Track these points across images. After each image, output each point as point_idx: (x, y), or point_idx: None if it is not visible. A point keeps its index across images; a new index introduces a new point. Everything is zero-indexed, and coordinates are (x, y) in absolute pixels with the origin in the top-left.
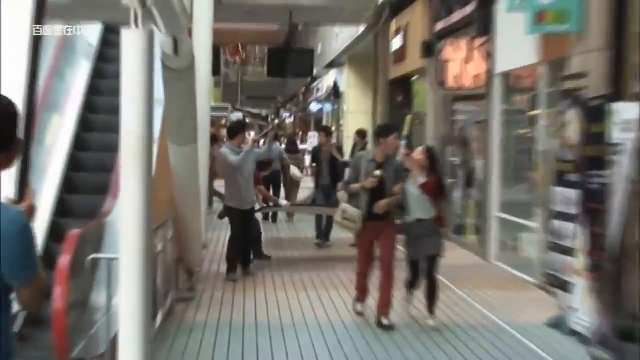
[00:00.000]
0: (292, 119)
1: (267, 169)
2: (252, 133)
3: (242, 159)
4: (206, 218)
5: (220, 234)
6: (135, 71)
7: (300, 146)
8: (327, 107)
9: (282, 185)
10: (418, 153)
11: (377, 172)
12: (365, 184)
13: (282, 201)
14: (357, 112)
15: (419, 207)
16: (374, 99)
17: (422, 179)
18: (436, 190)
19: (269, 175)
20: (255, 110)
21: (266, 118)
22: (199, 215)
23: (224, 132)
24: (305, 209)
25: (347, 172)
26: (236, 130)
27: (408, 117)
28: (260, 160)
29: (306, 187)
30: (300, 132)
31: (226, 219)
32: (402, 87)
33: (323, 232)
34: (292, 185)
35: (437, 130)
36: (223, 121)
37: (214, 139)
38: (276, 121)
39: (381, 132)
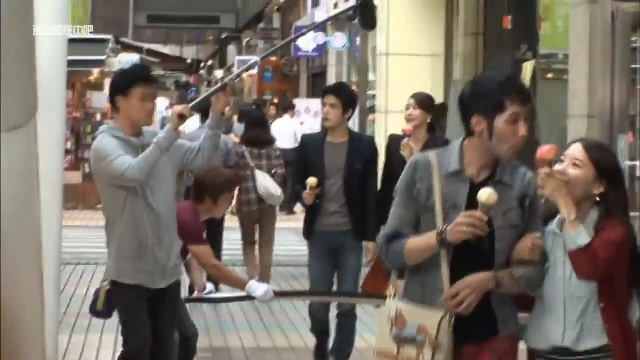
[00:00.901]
0: (255, 70)
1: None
2: (165, 102)
3: (149, 161)
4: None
5: (91, 340)
6: None
7: (282, 129)
8: (338, 43)
9: (222, 222)
10: (570, 160)
11: (491, 200)
12: (453, 236)
13: (256, 287)
14: (409, 55)
15: (567, 311)
16: (448, 23)
17: (578, 234)
18: (618, 270)
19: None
20: (169, 51)
21: (195, 68)
22: (40, 299)
23: (96, 98)
24: (297, 296)
25: (395, 201)
26: (128, 84)
27: (528, 66)
28: (199, 177)
29: (285, 229)
30: (274, 105)
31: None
32: None
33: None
34: (259, 219)
35: (593, 97)
36: (93, 74)
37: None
38: (219, 74)
39: (484, 99)
